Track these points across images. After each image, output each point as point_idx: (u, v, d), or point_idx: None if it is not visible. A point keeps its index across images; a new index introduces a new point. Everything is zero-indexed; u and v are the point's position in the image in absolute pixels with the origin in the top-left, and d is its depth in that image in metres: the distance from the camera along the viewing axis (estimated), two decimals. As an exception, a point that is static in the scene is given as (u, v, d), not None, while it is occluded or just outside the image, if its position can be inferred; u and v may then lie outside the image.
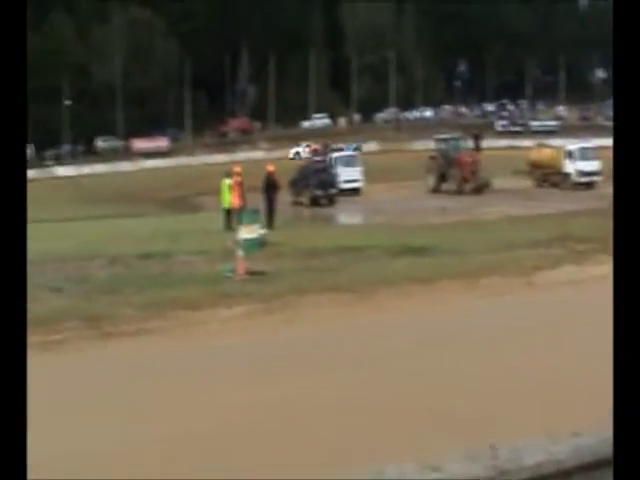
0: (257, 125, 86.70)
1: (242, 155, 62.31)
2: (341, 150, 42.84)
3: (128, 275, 13.96)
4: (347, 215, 31.28)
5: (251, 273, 12.73)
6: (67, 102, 76.12)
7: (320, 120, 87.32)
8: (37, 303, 11.81)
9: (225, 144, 77.48)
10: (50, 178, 66.41)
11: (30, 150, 75.73)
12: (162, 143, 77.38)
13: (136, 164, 70.84)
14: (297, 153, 71.59)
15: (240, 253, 13.13)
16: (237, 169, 22.41)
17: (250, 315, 10.62)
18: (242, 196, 21.03)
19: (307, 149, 72.50)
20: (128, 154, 75.30)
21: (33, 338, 10.03)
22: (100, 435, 6.35)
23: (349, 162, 40.08)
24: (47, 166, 71.06)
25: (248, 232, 14.59)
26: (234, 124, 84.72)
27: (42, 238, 22.22)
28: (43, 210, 36.36)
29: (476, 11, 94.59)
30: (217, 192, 27.39)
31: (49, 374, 8.49)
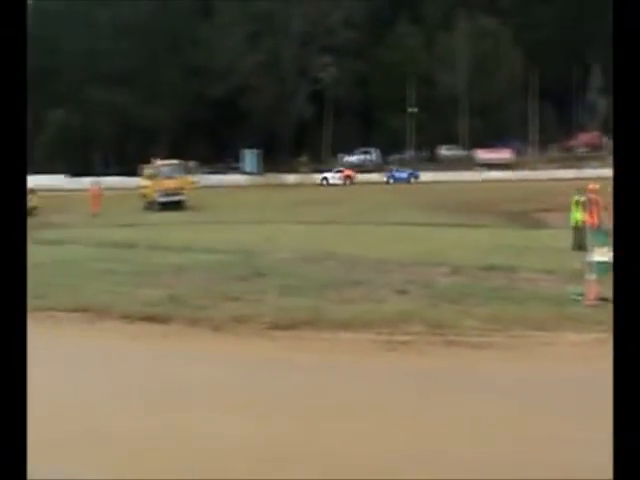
0: (608, 141, 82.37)
1: (589, 172, 59.35)
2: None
3: (470, 286, 13.90)
4: None
5: (602, 299, 11.95)
6: (411, 110, 78.47)
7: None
8: (384, 304, 12.29)
9: (570, 159, 74.74)
10: (388, 183, 69.43)
11: (375, 155, 79.54)
12: (506, 155, 76.59)
13: (478, 174, 71.04)
14: (325, 179, 69.13)
15: (591, 276, 12.41)
16: (594, 186, 21.34)
17: (602, 343, 9.91)
18: (597, 215, 19.93)
19: (337, 174, 69.18)
20: (469, 164, 75.74)
21: (380, 337, 10.45)
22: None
23: None
24: (390, 170, 73.88)
25: (601, 254, 13.77)
26: (583, 138, 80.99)
27: (388, 241, 23.21)
28: (385, 214, 37.93)
29: None
30: (560, 209, 26.43)
31: (400, 375, 8.71)
